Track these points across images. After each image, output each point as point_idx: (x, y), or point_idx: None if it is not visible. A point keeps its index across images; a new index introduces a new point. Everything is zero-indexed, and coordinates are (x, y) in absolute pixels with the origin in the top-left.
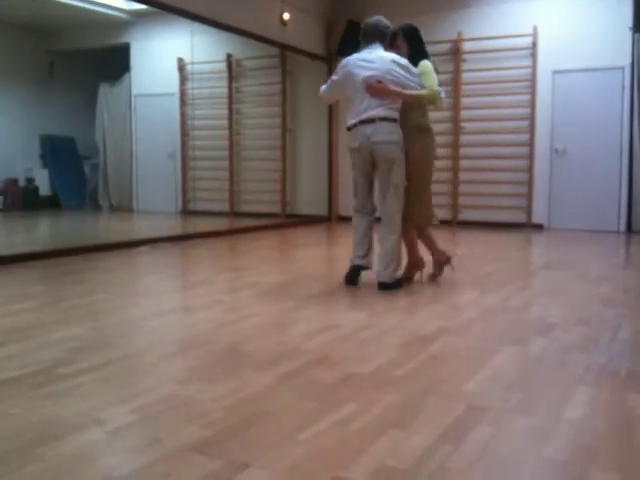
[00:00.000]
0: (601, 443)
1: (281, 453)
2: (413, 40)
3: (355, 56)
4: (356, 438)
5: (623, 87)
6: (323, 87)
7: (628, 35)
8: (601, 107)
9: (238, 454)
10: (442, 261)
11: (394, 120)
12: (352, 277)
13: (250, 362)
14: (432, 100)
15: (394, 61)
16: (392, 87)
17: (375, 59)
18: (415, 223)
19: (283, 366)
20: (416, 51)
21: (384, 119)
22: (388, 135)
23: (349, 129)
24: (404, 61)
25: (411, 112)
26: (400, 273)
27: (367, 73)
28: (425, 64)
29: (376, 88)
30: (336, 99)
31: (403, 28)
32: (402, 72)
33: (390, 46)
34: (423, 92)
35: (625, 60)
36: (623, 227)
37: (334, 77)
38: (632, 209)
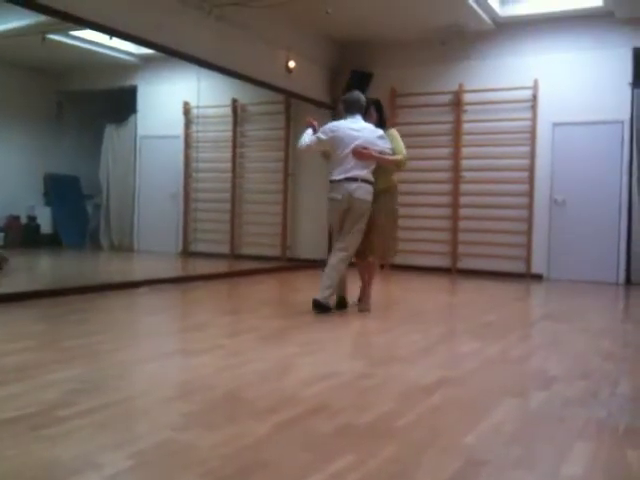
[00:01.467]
0: None
1: None
2: (380, 111)
3: (343, 124)
4: None
5: (622, 141)
6: (305, 140)
7: (628, 90)
8: (600, 160)
9: None
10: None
11: (371, 183)
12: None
13: (249, 409)
14: (403, 164)
15: (373, 131)
16: (374, 153)
17: (360, 129)
18: (379, 255)
19: (281, 414)
20: (381, 120)
21: (365, 181)
22: (366, 195)
23: (332, 182)
24: (380, 131)
25: (380, 176)
26: (332, 297)
27: (356, 141)
28: (394, 132)
29: (363, 154)
30: (313, 153)
31: (374, 101)
32: (380, 141)
33: (364, 115)
34: (399, 157)
35: (625, 114)
36: (622, 279)
37: (322, 136)
38: (631, 261)
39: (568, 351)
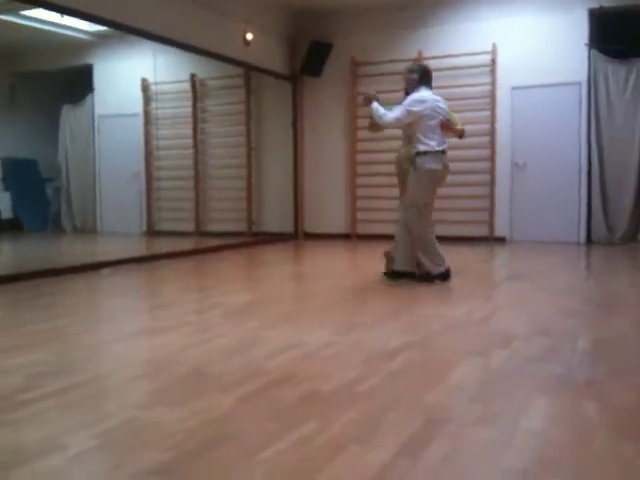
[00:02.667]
0: (559, 452)
1: (241, 474)
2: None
3: (427, 95)
4: (316, 456)
5: (580, 102)
6: (391, 114)
7: (584, 51)
8: (559, 122)
9: (198, 477)
10: None
11: None
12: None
13: (214, 384)
14: (464, 133)
15: (444, 102)
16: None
17: (439, 100)
18: None
19: (246, 387)
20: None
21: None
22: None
23: (428, 153)
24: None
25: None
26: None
27: (441, 112)
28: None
29: (449, 127)
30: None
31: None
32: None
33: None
34: (462, 127)
35: (582, 76)
36: (583, 238)
37: (413, 108)
38: (591, 220)
39: (530, 310)
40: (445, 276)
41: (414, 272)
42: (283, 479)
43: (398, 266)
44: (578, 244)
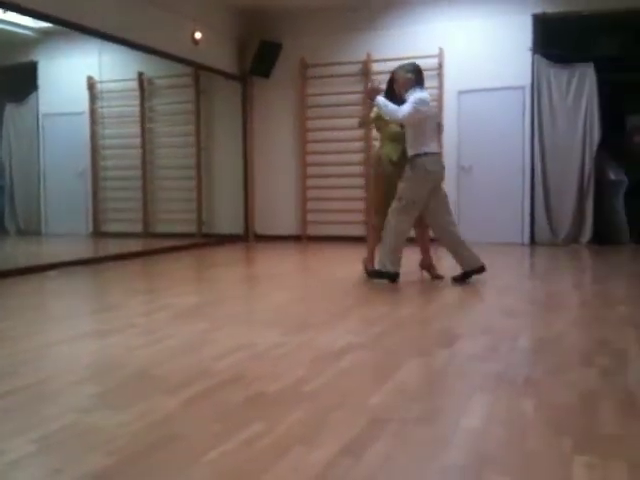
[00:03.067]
0: (497, 449)
1: (185, 476)
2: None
3: (428, 96)
4: (260, 457)
5: (524, 106)
6: (405, 110)
7: (528, 56)
8: (504, 125)
9: (140, 479)
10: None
11: None
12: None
13: (159, 386)
14: None
15: None
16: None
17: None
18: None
19: (193, 388)
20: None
21: None
22: None
23: (427, 154)
24: None
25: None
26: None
27: (434, 114)
28: None
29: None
30: None
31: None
32: None
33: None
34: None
35: (526, 80)
36: (527, 239)
37: (422, 108)
38: (535, 222)
39: (473, 309)
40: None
41: (394, 273)
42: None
43: (383, 266)
44: (522, 245)
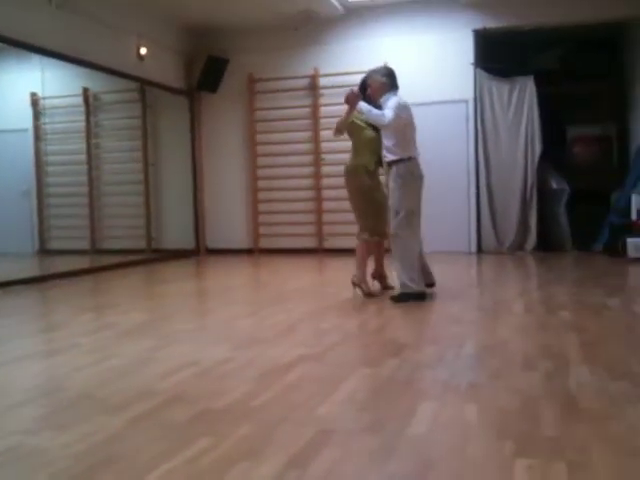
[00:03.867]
0: (440, 455)
1: None
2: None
3: (406, 101)
4: (206, 473)
5: (467, 118)
6: (390, 114)
7: (470, 70)
8: (449, 138)
9: None
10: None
11: None
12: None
13: (103, 407)
14: None
15: None
16: None
17: None
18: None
19: (136, 408)
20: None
21: None
22: None
23: (411, 159)
24: None
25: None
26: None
27: (412, 118)
28: None
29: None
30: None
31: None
32: None
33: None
34: None
35: (469, 93)
36: (474, 248)
37: (402, 114)
38: (480, 231)
39: (420, 319)
40: (421, 296)
41: (423, 292)
42: None
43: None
44: (469, 254)
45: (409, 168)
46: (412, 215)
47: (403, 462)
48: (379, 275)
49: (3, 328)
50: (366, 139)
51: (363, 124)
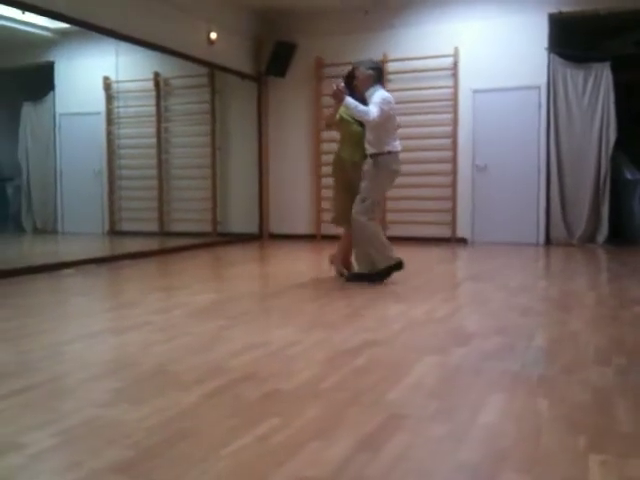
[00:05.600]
0: (512, 446)
1: (202, 469)
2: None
3: (389, 95)
4: (277, 451)
5: (540, 105)
6: (375, 110)
7: (544, 55)
8: (519, 125)
9: (160, 473)
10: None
11: None
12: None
13: (176, 382)
14: None
15: None
16: None
17: None
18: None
19: (208, 385)
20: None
21: None
22: None
23: (391, 153)
24: None
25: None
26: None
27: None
28: None
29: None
30: None
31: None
32: None
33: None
34: None
35: (541, 79)
36: (542, 239)
37: (385, 108)
38: (550, 222)
39: (488, 309)
40: (399, 266)
41: (393, 263)
42: (244, 474)
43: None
44: (537, 245)
45: (389, 162)
46: (377, 205)
47: (474, 451)
48: (345, 262)
49: (77, 305)
50: (352, 133)
51: (350, 119)
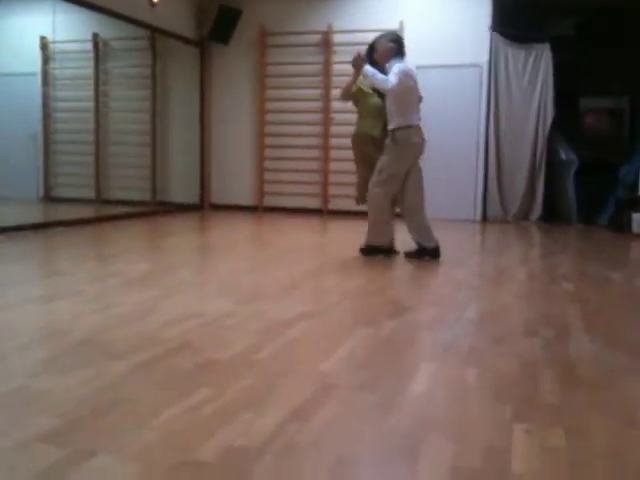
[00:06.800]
0: (439, 413)
1: (131, 439)
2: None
3: (410, 67)
4: (208, 421)
5: (481, 84)
6: (393, 79)
7: (487, 34)
8: (461, 103)
9: (87, 442)
10: None
11: None
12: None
13: (107, 352)
14: None
15: None
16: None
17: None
18: None
19: (140, 355)
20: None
21: None
22: None
23: (411, 127)
24: None
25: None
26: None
27: (417, 85)
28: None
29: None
30: None
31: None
32: None
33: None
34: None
35: (483, 58)
36: (479, 216)
37: (404, 78)
38: (487, 199)
39: (423, 282)
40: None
41: (386, 246)
42: (173, 444)
43: (374, 241)
44: (474, 222)
45: (408, 136)
46: (393, 179)
47: (402, 419)
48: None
49: (6, 273)
50: (371, 106)
51: (369, 90)
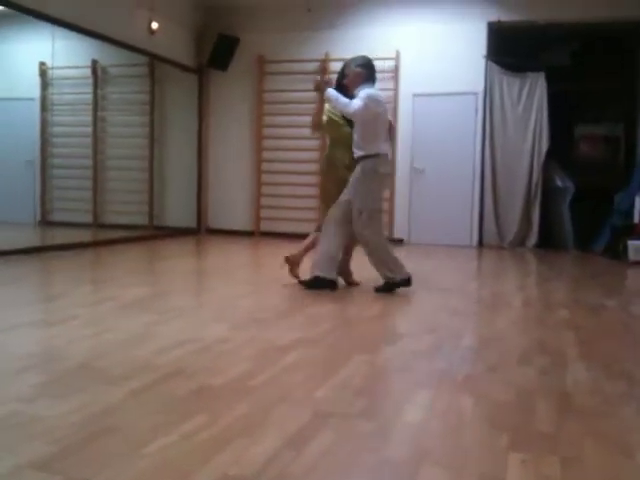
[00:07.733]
0: (435, 442)
1: (124, 466)
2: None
3: (380, 93)
4: (202, 449)
5: (476, 111)
6: (357, 104)
7: (482, 63)
8: (457, 130)
9: (79, 469)
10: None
11: None
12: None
13: (101, 378)
14: None
15: None
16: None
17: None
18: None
19: (135, 381)
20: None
21: None
22: None
23: (379, 156)
24: None
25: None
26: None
27: (386, 113)
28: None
29: (393, 129)
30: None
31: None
32: None
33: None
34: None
35: (479, 86)
36: (475, 242)
37: (371, 105)
38: (483, 225)
39: (419, 309)
40: (407, 282)
41: (335, 280)
42: (168, 471)
43: (322, 272)
44: (470, 247)
45: (374, 165)
46: (376, 213)
47: (397, 448)
48: (345, 272)
49: (2, 297)
50: (343, 135)
51: (340, 120)
